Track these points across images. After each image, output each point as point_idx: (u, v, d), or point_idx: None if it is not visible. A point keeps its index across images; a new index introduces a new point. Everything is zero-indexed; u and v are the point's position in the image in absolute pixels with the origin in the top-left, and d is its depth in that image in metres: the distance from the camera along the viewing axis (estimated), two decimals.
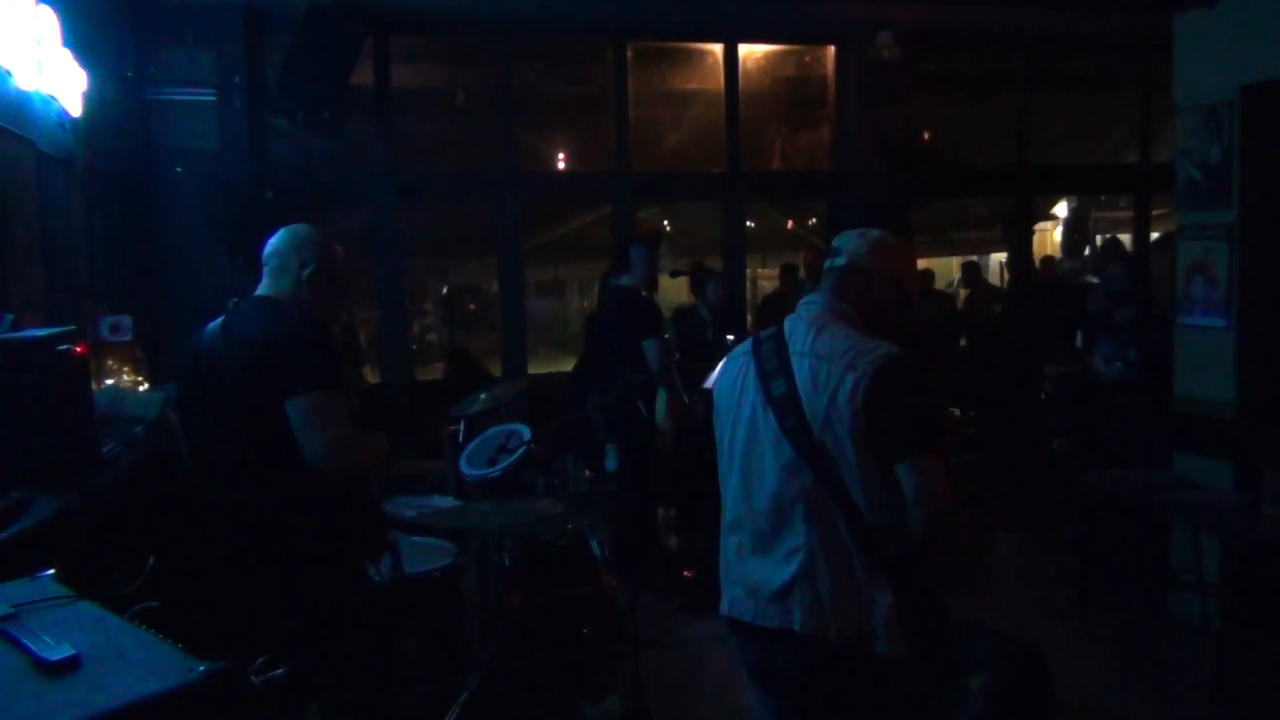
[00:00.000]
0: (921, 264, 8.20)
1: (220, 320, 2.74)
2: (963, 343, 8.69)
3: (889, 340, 2.14)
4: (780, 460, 2.12)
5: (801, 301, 2.32)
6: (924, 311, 8.44)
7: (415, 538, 3.86)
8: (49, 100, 4.42)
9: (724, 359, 5.07)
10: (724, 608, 2.29)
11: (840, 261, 2.29)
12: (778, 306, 8.12)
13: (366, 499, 2.80)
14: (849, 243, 2.31)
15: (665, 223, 11.37)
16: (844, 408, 2.04)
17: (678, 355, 5.96)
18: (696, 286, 6.33)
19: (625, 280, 5.40)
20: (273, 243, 2.79)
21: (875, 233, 2.33)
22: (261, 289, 2.76)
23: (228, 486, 2.64)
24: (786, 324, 2.27)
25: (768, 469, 2.16)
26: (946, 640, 2.17)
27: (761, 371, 2.21)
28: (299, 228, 2.82)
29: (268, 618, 2.62)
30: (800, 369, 2.13)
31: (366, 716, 2.76)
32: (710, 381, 5.33)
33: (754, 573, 2.19)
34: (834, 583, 2.07)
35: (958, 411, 8.11)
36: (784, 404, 2.12)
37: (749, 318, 8.59)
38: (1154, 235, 9.13)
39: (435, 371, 8.54)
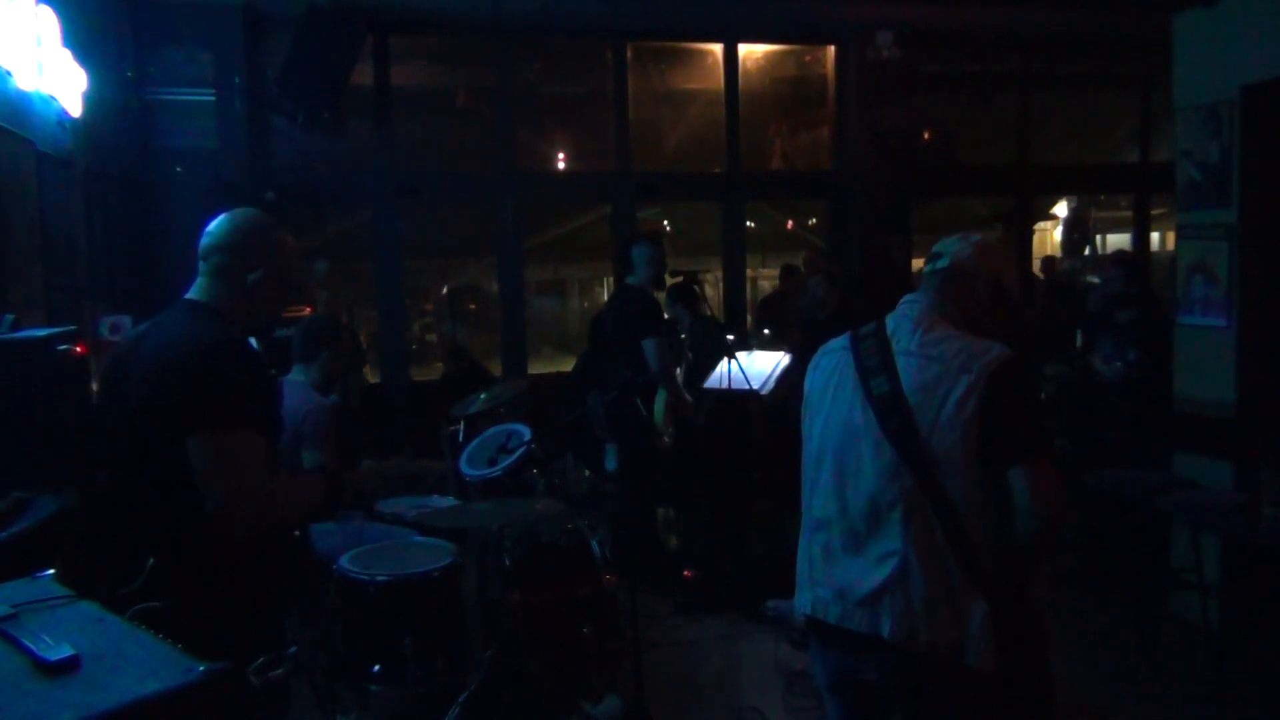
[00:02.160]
0: (918, 264, 8.20)
1: (145, 325, 2.40)
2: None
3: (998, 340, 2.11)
4: (880, 461, 2.07)
5: (903, 300, 2.28)
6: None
7: (415, 538, 3.86)
8: (49, 100, 4.42)
9: (725, 358, 5.08)
10: (804, 608, 2.22)
11: (943, 264, 2.25)
12: (778, 306, 8.12)
13: (281, 553, 2.38)
14: (951, 246, 2.28)
15: (665, 223, 11.37)
16: (956, 410, 1.99)
17: (690, 356, 5.96)
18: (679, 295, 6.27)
19: (629, 279, 5.41)
20: (214, 234, 2.35)
21: (977, 236, 2.32)
22: (193, 291, 2.34)
23: (122, 521, 2.29)
24: (889, 321, 2.22)
25: (866, 468, 2.09)
26: (1043, 655, 2.12)
27: (862, 368, 2.15)
28: (245, 219, 2.39)
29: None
30: (906, 368, 2.08)
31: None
32: (710, 381, 5.34)
33: (844, 574, 2.12)
34: (928, 590, 2.01)
35: None
36: (887, 403, 2.07)
37: (749, 317, 8.59)
38: (1154, 235, 9.14)
39: (435, 371, 8.54)
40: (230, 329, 2.28)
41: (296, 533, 2.62)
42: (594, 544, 4.07)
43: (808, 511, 2.26)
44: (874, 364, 2.14)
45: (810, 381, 2.34)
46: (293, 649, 2.18)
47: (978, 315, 2.22)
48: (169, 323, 2.28)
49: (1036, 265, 9.79)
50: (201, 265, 2.35)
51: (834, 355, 2.29)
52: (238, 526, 2.14)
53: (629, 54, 7.84)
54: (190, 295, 2.34)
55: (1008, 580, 2.04)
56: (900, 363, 2.10)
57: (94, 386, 3.18)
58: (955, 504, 2.00)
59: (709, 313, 6.17)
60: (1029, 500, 1.96)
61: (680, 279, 5.80)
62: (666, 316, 6.51)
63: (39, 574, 1.64)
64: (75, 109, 4.68)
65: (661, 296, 5.56)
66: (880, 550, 2.07)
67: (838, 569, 2.14)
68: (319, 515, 2.76)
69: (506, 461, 4.42)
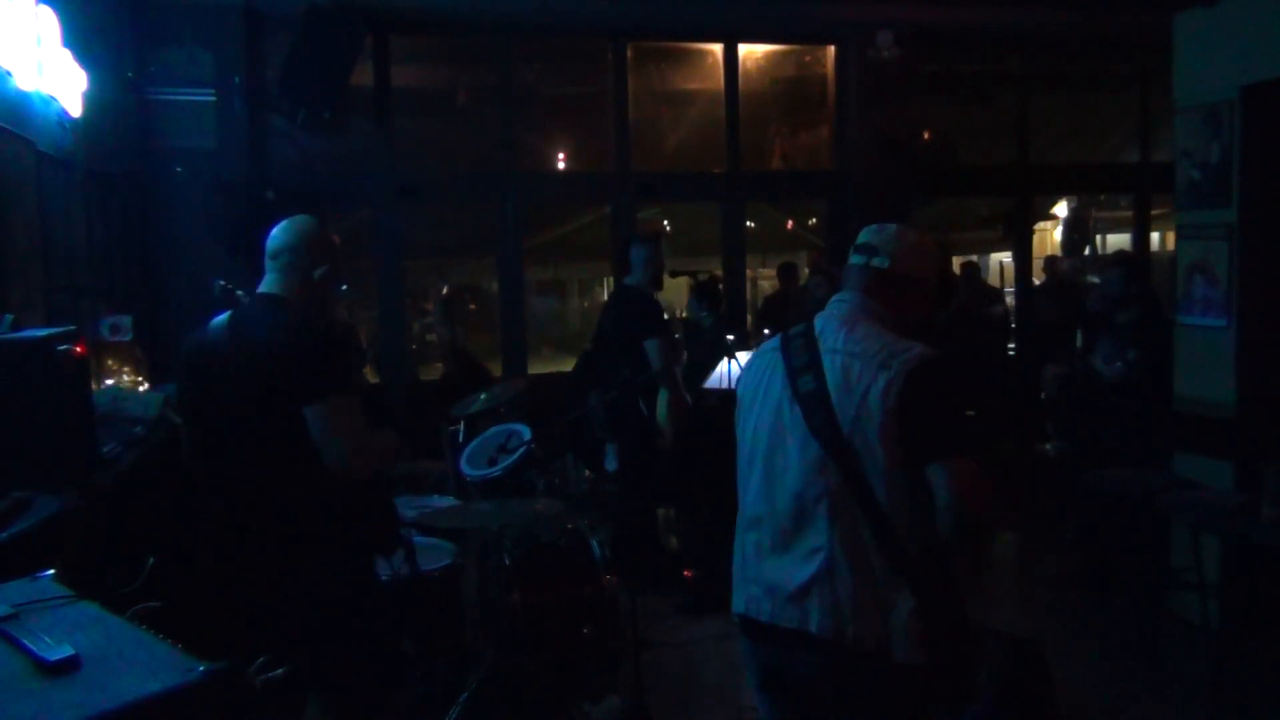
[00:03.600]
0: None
1: (225, 317, 2.70)
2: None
3: (922, 340, 2.11)
4: (806, 457, 2.09)
5: (833, 299, 2.27)
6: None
7: (416, 538, 3.86)
8: (49, 100, 4.41)
9: (725, 358, 5.07)
10: (738, 606, 2.24)
11: (874, 261, 2.22)
12: (780, 306, 8.12)
13: (381, 497, 2.80)
14: (883, 242, 2.24)
15: (665, 223, 11.37)
16: (875, 407, 2.01)
17: (685, 355, 5.95)
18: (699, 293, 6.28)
19: (628, 279, 5.41)
20: (279, 238, 2.71)
21: (911, 233, 2.27)
22: (266, 286, 2.69)
23: (238, 487, 2.62)
24: (818, 321, 2.22)
25: (792, 465, 2.12)
26: (967, 649, 2.12)
27: (790, 367, 2.17)
28: (305, 223, 2.75)
29: (279, 616, 2.60)
30: (831, 366, 2.10)
31: (369, 713, 2.75)
32: (710, 382, 5.34)
33: (773, 571, 2.15)
34: (854, 585, 2.03)
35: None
36: (812, 401, 2.09)
37: (749, 318, 8.60)
38: (1154, 235, 9.14)
39: (435, 371, 8.54)
40: (303, 313, 2.63)
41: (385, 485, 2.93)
42: (594, 544, 4.07)
43: (741, 511, 2.28)
44: (801, 363, 2.15)
45: (743, 383, 2.36)
46: None
47: (908, 313, 2.22)
48: (257, 313, 2.65)
49: (1037, 265, 9.79)
50: (270, 264, 2.69)
51: (765, 356, 2.30)
52: (360, 472, 2.55)
53: (629, 54, 7.85)
54: (264, 289, 2.69)
55: (935, 575, 2.05)
56: (826, 361, 2.12)
57: (93, 386, 3.18)
58: (879, 500, 2.02)
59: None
60: (946, 497, 1.98)
61: (704, 279, 5.80)
62: (687, 315, 6.52)
63: (39, 574, 1.64)
64: (75, 109, 4.67)
65: (662, 295, 5.55)
66: (807, 546, 2.09)
67: (767, 566, 2.17)
68: (392, 465, 3.13)
69: (506, 461, 4.42)
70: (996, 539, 6.39)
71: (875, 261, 2.22)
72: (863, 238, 2.28)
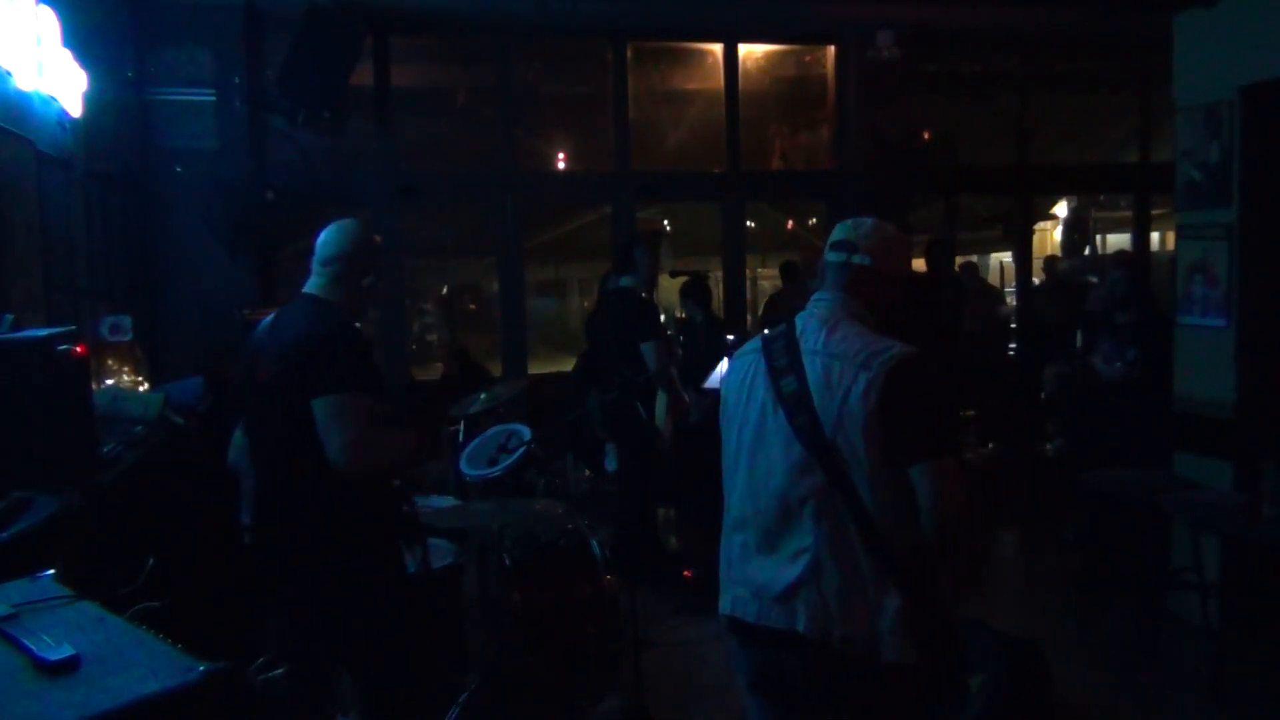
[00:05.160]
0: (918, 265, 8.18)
1: (270, 318, 2.84)
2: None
3: (903, 339, 2.11)
4: (790, 459, 2.09)
5: (812, 299, 2.27)
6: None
7: None
8: (49, 100, 4.41)
9: (725, 358, 5.08)
10: (725, 607, 2.24)
11: (855, 259, 2.21)
12: (782, 306, 8.12)
13: (391, 495, 2.86)
14: (861, 238, 2.23)
15: (665, 223, 11.37)
16: (857, 408, 2.00)
17: (680, 353, 5.96)
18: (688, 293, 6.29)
19: (625, 281, 5.41)
20: (332, 245, 2.78)
21: (888, 227, 2.27)
22: (311, 287, 2.79)
23: (264, 480, 2.76)
24: (798, 321, 2.22)
25: (776, 467, 2.12)
26: (953, 648, 2.13)
27: (771, 369, 2.17)
28: (355, 230, 2.82)
29: (307, 611, 2.70)
30: (813, 367, 2.10)
31: (403, 706, 2.81)
32: (710, 381, 5.34)
33: (759, 573, 2.15)
34: (841, 585, 2.03)
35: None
36: (795, 402, 2.09)
37: (749, 317, 8.59)
38: (1154, 235, 9.14)
39: (435, 371, 8.54)
40: (343, 317, 2.75)
41: (396, 482, 2.96)
42: (594, 544, 4.07)
43: (727, 512, 2.28)
44: (783, 364, 2.15)
45: (726, 384, 2.35)
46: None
47: (888, 310, 2.23)
48: (296, 311, 2.76)
49: (1037, 265, 9.79)
50: (319, 268, 2.79)
51: (747, 358, 2.29)
52: (351, 470, 2.57)
53: (629, 54, 7.84)
54: (308, 290, 2.79)
55: (921, 574, 2.05)
56: (807, 362, 2.11)
57: (93, 386, 3.19)
58: (864, 500, 2.02)
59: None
60: (929, 498, 1.99)
61: (690, 277, 5.79)
62: (682, 315, 6.51)
63: (39, 574, 1.64)
64: (75, 109, 4.67)
65: (658, 296, 5.56)
66: (793, 547, 2.09)
67: (753, 567, 2.17)
68: (414, 462, 3.12)
69: (506, 461, 4.42)
70: (996, 539, 6.40)
71: (855, 259, 2.21)
72: (839, 234, 2.27)
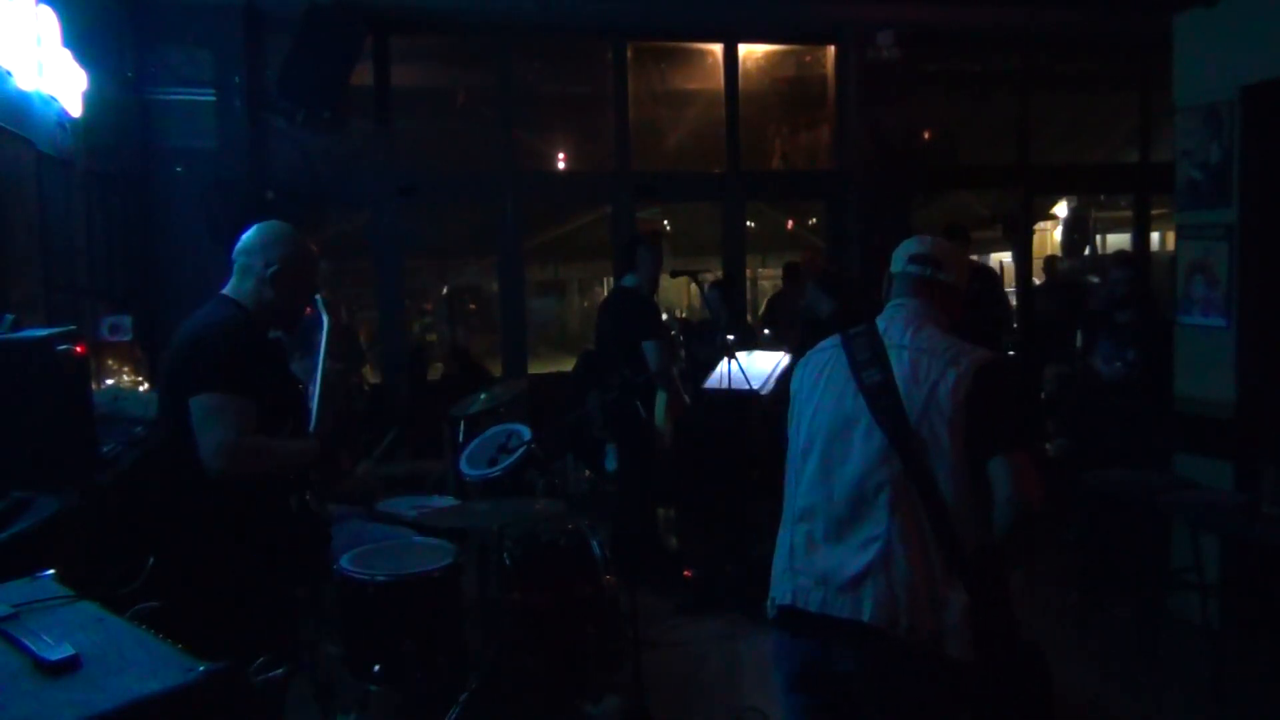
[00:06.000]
0: None
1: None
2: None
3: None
4: (870, 446, 2.13)
5: (891, 304, 2.36)
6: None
7: (415, 538, 3.86)
8: (49, 100, 4.42)
9: (725, 359, 5.08)
10: (784, 598, 2.21)
11: (941, 275, 2.33)
12: (786, 305, 8.10)
13: (278, 507, 2.75)
14: (944, 256, 2.36)
15: (665, 223, 11.37)
16: (945, 400, 2.08)
17: (682, 353, 5.96)
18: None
19: (627, 280, 5.41)
20: (244, 239, 2.80)
21: (956, 248, 2.43)
22: (227, 288, 2.79)
23: (161, 479, 2.76)
24: (880, 322, 2.31)
25: (854, 454, 2.15)
26: (1015, 648, 2.16)
27: (854, 362, 2.23)
28: (270, 226, 2.82)
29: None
30: (899, 360, 2.17)
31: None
32: (711, 381, 5.34)
33: (825, 561, 2.15)
34: (910, 575, 2.04)
35: None
36: (879, 392, 2.15)
37: (750, 317, 8.58)
38: (1154, 235, 9.13)
39: (435, 371, 8.54)
40: (250, 317, 2.70)
41: (294, 500, 2.81)
42: (594, 544, 4.07)
43: (790, 503, 2.30)
44: (866, 358, 2.22)
45: (799, 379, 2.39)
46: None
47: (956, 320, 2.34)
48: (198, 312, 2.74)
49: (1037, 265, 9.79)
50: (233, 266, 2.79)
51: (824, 353, 2.36)
52: (218, 472, 2.51)
53: (629, 54, 7.84)
54: (223, 290, 2.78)
55: (988, 574, 2.07)
56: (893, 355, 2.19)
57: (93, 386, 3.18)
58: (941, 491, 2.06)
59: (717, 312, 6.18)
60: (1007, 490, 2.03)
61: (717, 277, 5.80)
62: (682, 315, 6.51)
63: (39, 574, 1.64)
64: (75, 109, 4.68)
65: (661, 295, 5.56)
66: (864, 535, 2.11)
67: (819, 556, 2.17)
68: (311, 476, 2.91)
69: (506, 461, 4.42)
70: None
71: (942, 276, 2.34)
72: (918, 248, 2.38)
